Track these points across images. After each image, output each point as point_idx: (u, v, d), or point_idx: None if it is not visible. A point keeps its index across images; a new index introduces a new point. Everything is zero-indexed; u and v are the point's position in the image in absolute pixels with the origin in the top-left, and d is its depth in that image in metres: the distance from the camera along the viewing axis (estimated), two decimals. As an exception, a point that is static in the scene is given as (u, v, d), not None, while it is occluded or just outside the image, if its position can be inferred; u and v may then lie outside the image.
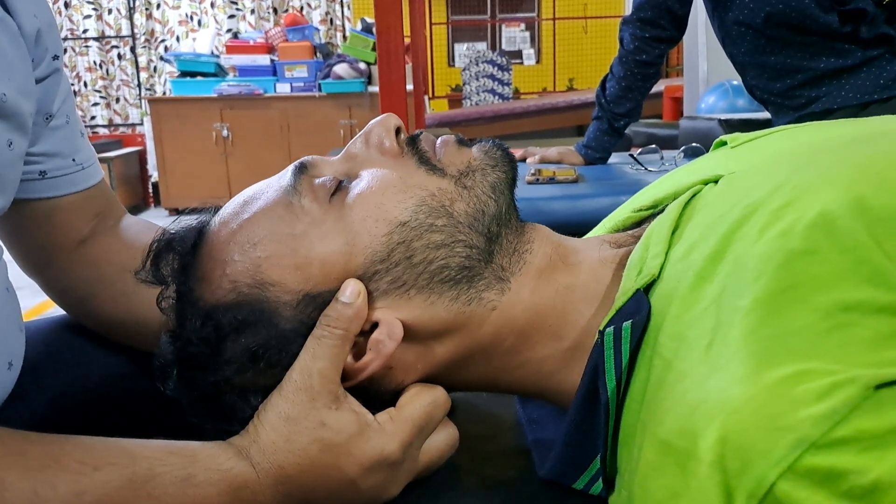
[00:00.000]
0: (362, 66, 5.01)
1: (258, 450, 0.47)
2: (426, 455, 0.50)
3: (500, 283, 0.51)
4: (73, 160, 0.67)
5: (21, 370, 0.63)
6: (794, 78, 1.43)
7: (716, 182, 0.52)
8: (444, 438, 0.51)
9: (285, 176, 0.53)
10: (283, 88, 5.05)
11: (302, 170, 0.52)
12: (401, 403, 0.49)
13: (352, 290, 0.48)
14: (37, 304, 3.19)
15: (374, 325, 0.49)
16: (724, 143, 0.62)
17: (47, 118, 0.63)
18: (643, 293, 0.46)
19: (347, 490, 0.47)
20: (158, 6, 5.71)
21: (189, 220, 0.56)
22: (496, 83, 6.04)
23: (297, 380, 0.48)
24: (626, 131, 1.94)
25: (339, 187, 0.51)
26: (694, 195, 0.52)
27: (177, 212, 5.16)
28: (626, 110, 1.84)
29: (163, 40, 5.74)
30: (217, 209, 0.55)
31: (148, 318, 0.65)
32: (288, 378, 0.48)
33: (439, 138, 0.54)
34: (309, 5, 5.81)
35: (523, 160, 2.07)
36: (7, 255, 0.60)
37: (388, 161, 0.52)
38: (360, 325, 0.48)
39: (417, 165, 0.52)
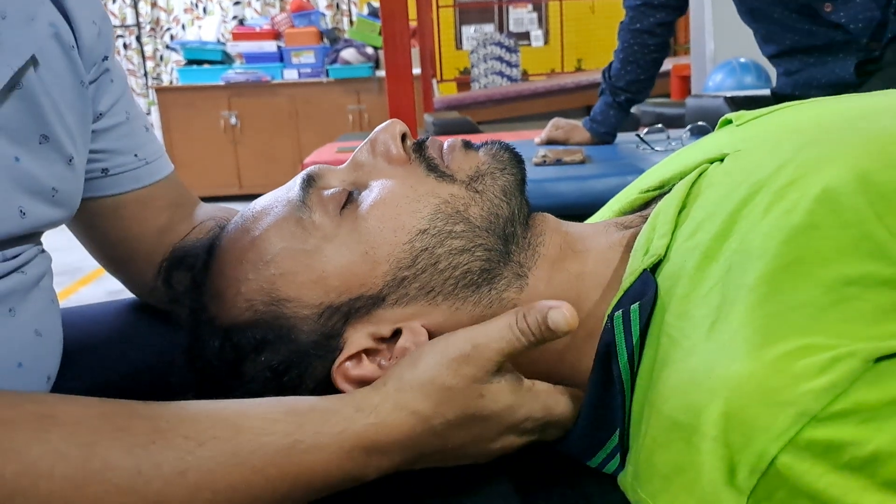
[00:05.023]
0: (370, 50, 4.99)
1: (394, 409, 0.44)
2: (505, 442, 0.49)
3: (518, 280, 0.51)
4: (136, 156, 0.67)
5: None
6: (782, 44, 1.50)
7: (722, 161, 0.53)
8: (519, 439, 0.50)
9: (293, 189, 0.52)
10: (291, 75, 5.04)
11: (310, 182, 0.52)
12: (549, 388, 0.49)
13: (571, 321, 0.45)
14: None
15: (397, 332, 0.49)
16: (729, 122, 0.62)
17: (97, 118, 0.63)
18: (650, 273, 0.46)
19: (479, 447, 0.47)
20: (163, -6, 5.71)
21: (199, 236, 0.55)
22: (504, 65, 6.00)
23: (467, 351, 0.45)
24: (634, 111, 1.94)
25: (349, 199, 0.50)
26: (700, 174, 0.52)
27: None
28: (626, 83, 1.84)
29: (168, 28, 5.74)
30: (224, 225, 0.55)
31: None
32: (452, 346, 0.46)
33: (445, 143, 0.54)
34: (314, -10, 5.79)
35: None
36: (54, 265, 0.59)
37: (397, 170, 0.52)
38: (535, 343, 0.46)
39: (426, 173, 0.52)
